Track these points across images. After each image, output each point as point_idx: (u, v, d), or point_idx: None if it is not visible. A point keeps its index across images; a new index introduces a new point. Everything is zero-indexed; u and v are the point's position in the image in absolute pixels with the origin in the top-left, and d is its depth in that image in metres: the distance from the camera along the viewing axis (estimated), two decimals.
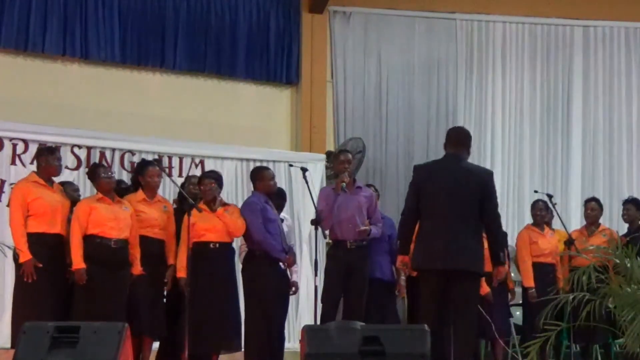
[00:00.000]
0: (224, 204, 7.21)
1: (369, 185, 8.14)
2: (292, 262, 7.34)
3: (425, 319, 5.65)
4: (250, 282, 7.15)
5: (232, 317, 7.09)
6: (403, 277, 7.99)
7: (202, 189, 7.14)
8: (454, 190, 5.94)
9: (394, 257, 7.99)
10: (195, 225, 6.93)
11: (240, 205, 7.43)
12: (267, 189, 7.30)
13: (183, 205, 7.22)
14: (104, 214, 6.71)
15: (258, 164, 8.35)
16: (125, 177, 8.43)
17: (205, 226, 6.95)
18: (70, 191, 7.18)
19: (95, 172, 6.97)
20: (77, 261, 6.56)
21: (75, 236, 6.60)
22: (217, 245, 7.04)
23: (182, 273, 6.92)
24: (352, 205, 7.27)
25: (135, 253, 6.86)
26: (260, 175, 7.34)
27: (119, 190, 7.10)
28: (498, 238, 6.02)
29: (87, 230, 6.66)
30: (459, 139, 6.20)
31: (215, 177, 7.27)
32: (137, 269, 6.86)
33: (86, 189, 7.93)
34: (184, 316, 6.89)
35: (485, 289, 7.60)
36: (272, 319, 7.08)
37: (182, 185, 7.52)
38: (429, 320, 5.56)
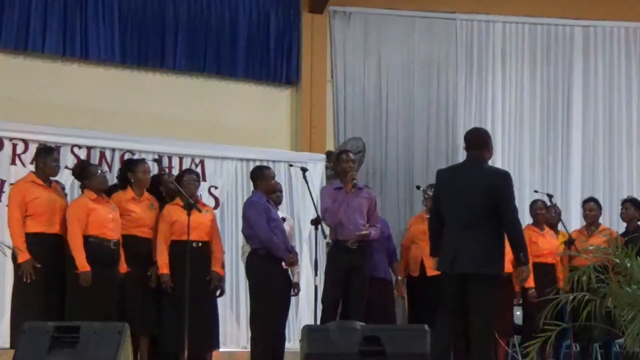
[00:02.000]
0: (203, 204, 7.22)
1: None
2: (294, 262, 7.34)
3: (443, 319, 5.89)
4: (255, 282, 7.16)
5: (215, 316, 7.15)
6: (399, 277, 8.00)
7: (186, 187, 7.05)
8: (466, 194, 5.96)
9: (391, 257, 8.05)
10: (177, 222, 6.90)
11: (241, 204, 7.41)
12: (268, 189, 7.30)
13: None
14: (103, 216, 6.69)
15: (258, 164, 8.34)
16: None
17: (190, 224, 6.84)
18: None
19: (88, 170, 6.89)
20: (83, 264, 6.52)
21: (78, 237, 6.57)
22: (200, 244, 7.03)
23: (165, 269, 6.89)
24: (354, 206, 7.26)
25: (121, 252, 6.83)
26: (261, 175, 7.34)
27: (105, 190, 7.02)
28: (516, 240, 6.01)
29: (86, 231, 6.62)
30: (477, 141, 6.19)
31: (196, 175, 7.26)
32: (124, 267, 6.84)
33: None
34: (167, 313, 6.89)
35: None
36: (275, 318, 7.08)
37: (157, 183, 7.44)
38: (446, 321, 5.84)
